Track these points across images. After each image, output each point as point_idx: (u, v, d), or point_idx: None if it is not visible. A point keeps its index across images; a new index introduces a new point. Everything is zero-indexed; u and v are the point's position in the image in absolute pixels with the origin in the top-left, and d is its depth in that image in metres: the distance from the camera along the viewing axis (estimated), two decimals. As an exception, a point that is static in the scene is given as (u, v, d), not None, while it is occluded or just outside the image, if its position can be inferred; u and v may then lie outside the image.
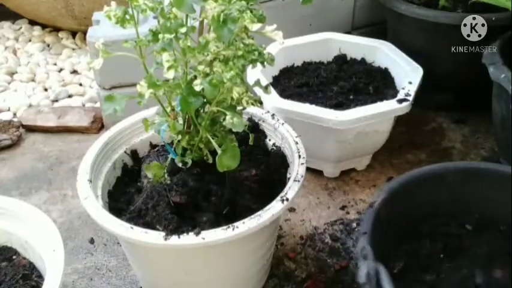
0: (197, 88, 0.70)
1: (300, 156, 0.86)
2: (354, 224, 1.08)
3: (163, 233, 0.73)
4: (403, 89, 1.13)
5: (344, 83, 1.24)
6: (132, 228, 0.74)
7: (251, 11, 0.69)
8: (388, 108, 1.08)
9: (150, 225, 0.77)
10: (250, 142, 0.84)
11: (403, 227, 0.81)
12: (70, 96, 1.57)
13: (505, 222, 0.84)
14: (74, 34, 1.85)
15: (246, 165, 0.85)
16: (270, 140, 0.96)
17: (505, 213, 0.83)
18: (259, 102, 0.77)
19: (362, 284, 0.64)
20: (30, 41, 1.84)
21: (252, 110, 0.96)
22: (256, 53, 0.71)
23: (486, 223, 0.84)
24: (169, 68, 0.70)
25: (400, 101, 1.08)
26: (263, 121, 0.96)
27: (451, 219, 0.85)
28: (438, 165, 0.87)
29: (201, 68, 0.71)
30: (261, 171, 0.85)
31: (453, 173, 0.84)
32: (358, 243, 0.68)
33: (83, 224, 1.10)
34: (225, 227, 0.73)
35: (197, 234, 0.72)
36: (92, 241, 1.06)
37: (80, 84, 1.61)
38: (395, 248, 0.80)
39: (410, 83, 1.14)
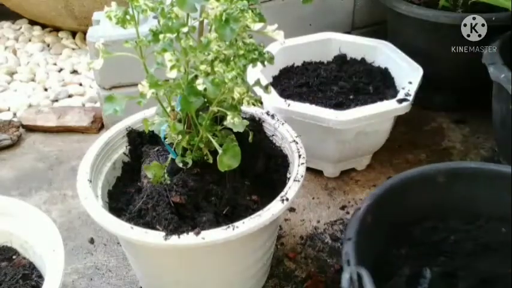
0: (199, 87, 0.70)
1: (300, 156, 0.86)
2: (354, 224, 1.08)
3: (163, 233, 0.73)
4: (403, 89, 1.13)
5: (344, 83, 1.24)
6: (132, 228, 0.74)
7: (252, 11, 0.69)
8: (388, 108, 1.07)
9: (150, 225, 0.77)
10: (250, 140, 0.84)
11: (394, 231, 0.81)
12: (70, 96, 1.57)
13: (498, 222, 0.83)
14: (74, 34, 1.85)
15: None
16: (270, 139, 0.95)
17: (498, 213, 0.83)
18: (259, 102, 0.77)
19: None
20: (30, 41, 1.84)
21: (252, 110, 0.96)
22: (256, 52, 0.71)
23: (478, 223, 0.84)
24: (172, 67, 0.70)
25: (400, 101, 1.08)
26: (263, 121, 0.96)
27: (442, 221, 0.85)
28: (426, 166, 0.86)
29: (202, 67, 0.71)
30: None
31: (442, 174, 0.84)
32: (342, 250, 0.68)
33: (83, 224, 1.10)
34: (225, 227, 0.73)
35: (197, 234, 0.72)
36: (92, 241, 1.06)
37: (80, 84, 1.61)
38: (386, 253, 0.80)
39: (410, 83, 1.14)
